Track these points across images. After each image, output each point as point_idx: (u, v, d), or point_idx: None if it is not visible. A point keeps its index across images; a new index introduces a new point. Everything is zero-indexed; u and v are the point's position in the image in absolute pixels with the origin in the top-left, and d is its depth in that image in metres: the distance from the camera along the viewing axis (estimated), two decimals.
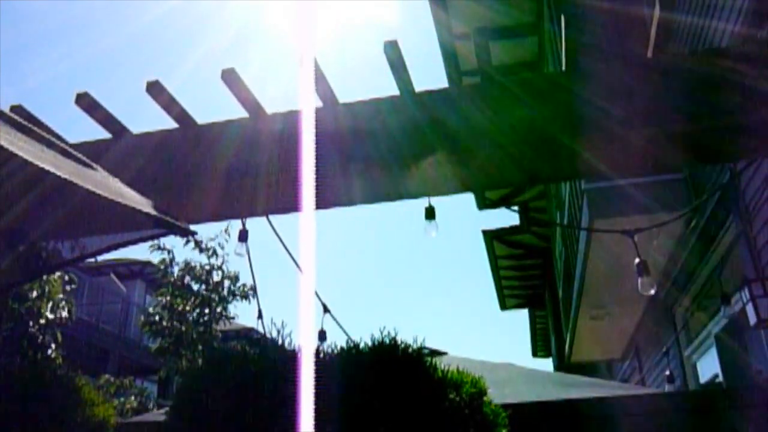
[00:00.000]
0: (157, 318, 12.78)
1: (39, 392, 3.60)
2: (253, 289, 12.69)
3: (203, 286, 12.94)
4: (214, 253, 13.00)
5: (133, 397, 14.66)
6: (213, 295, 12.90)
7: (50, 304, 9.60)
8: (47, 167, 1.69)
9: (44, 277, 9.46)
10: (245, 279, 13.39)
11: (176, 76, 3.81)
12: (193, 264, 12.96)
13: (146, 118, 3.94)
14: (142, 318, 13.52)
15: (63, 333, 10.07)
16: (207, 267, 13.00)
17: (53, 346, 9.65)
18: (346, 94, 3.66)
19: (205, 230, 13.26)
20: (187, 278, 12.88)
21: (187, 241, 12.52)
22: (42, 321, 9.39)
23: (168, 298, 12.84)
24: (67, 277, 10.37)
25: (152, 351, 12.99)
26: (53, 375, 3.84)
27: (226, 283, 13.08)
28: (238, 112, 3.75)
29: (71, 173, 1.82)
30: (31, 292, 9.28)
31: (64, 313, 9.89)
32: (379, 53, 3.38)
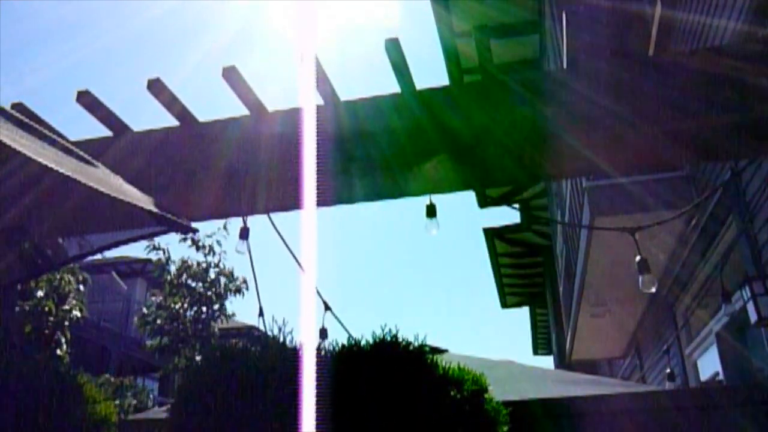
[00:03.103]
0: (152, 318, 12.77)
1: (41, 389, 3.60)
2: (246, 283, 12.69)
3: (201, 284, 12.94)
4: (211, 250, 12.99)
5: (131, 396, 14.67)
6: (210, 293, 12.90)
7: (66, 304, 9.61)
8: (49, 164, 1.69)
9: (57, 276, 9.48)
10: (239, 274, 13.40)
11: (177, 74, 3.81)
12: (190, 263, 12.96)
13: (146, 118, 3.94)
14: (136, 319, 13.52)
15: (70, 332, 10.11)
16: (204, 265, 12.99)
17: (63, 344, 9.67)
18: (347, 94, 3.67)
19: (202, 227, 13.23)
20: (184, 276, 12.87)
21: (184, 239, 12.52)
22: (51, 318, 9.41)
23: (161, 298, 12.85)
24: (80, 278, 10.37)
25: (148, 349, 12.99)
26: (55, 372, 3.83)
27: (222, 280, 13.09)
28: (240, 111, 3.76)
29: (73, 170, 1.82)
30: (37, 290, 9.29)
31: (76, 313, 9.91)
32: (380, 53, 3.38)
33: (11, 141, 1.68)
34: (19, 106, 3.71)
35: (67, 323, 9.73)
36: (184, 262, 12.91)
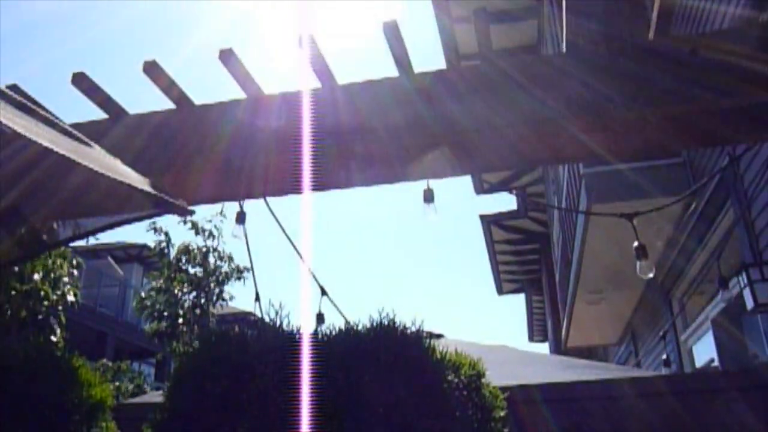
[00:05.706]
0: (151, 302, 12.76)
1: (36, 373, 3.60)
2: (247, 269, 12.69)
3: (200, 269, 12.94)
4: (211, 234, 13.00)
5: (128, 381, 14.69)
6: (210, 278, 12.90)
7: (59, 288, 9.57)
8: (47, 144, 1.68)
9: (50, 260, 9.43)
10: (239, 260, 13.42)
11: (173, 64, 3.76)
12: (190, 247, 12.96)
13: (140, 107, 3.91)
14: (134, 303, 13.53)
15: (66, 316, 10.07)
16: (204, 249, 13.00)
17: (58, 330, 9.64)
18: (344, 80, 3.64)
19: (201, 212, 13.26)
20: (183, 259, 12.88)
21: (184, 222, 12.52)
22: (46, 303, 9.36)
23: (161, 281, 12.83)
24: (74, 261, 10.33)
25: (147, 332, 13.01)
26: (51, 355, 3.83)
27: (223, 266, 13.08)
28: (237, 97, 3.73)
29: (71, 150, 1.80)
30: (34, 273, 9.24)
31: (70, 297, 9.87)
32: (376, 43, 3.36)
33: (8, 121, 1.66)
34: (13, 88, 3.67)
35: (61, 308, 9.70)
36: (186, 247, 12.91)
